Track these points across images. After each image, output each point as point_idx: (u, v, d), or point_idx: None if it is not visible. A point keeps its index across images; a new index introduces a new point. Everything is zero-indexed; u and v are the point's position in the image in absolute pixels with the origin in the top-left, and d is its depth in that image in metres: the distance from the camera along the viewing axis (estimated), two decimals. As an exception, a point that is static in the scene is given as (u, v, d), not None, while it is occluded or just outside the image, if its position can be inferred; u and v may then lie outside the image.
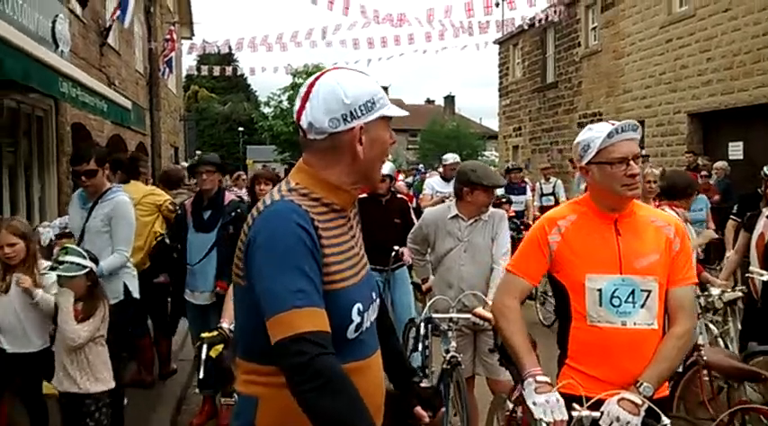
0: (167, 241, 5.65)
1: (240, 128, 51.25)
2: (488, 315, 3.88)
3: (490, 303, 4.07)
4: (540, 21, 19.80)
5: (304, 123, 1.66)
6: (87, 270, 3.64)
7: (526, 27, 20.92)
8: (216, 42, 17.88)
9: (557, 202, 12.08)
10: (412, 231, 4.82)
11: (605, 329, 2.35)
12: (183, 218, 5.27)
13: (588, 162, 2.41)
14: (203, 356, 3.24)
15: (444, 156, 9.38)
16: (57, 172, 9.00)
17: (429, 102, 57.74)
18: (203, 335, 3.33)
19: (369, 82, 1.70)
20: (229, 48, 19.65)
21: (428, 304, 4.33)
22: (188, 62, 25.57)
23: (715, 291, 4.41)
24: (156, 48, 16.26)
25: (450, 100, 55.38)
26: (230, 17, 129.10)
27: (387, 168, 8.30)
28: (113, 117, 8.57)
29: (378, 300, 1.85)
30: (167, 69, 17.05)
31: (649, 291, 2.35)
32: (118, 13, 11.51)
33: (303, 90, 1.69)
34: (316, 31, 17.08)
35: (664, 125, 15.85)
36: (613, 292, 2.34)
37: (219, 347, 3.26)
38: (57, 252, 3.72)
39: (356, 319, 1.66)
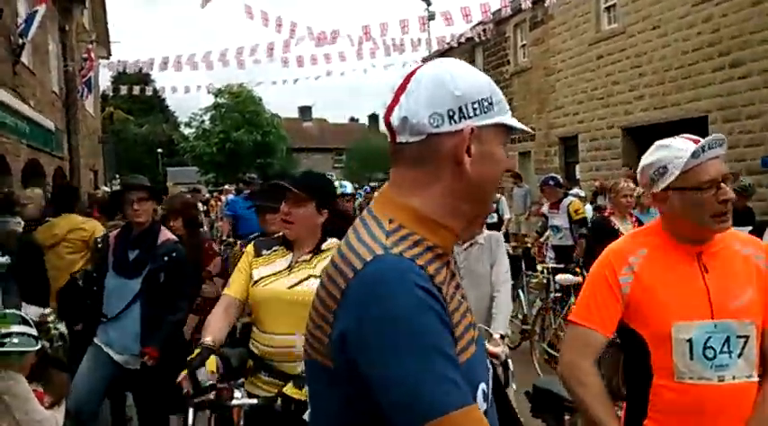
0: (80, 282, 4.77)
1: (159, 150, 49.55)
2: (496, 350, 3.51)
3: (496, 336, 3.71)
4: (468, 39, 19.81)
5: (395, 119, 1.22)
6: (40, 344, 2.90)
7: (456, 45, 20.90)
8: (138, 61, 16.95)
9: (500, 220, 11.89)
10: None
11: (699, 386, 1.95)
12: (104, 255, 4.15)
13: (666, 187, 2.03)
14: (202, 377, 2.62)
15: None
16: (-32, 203, 8.07)
17: (353, 120, 57.56)
18: (192, 358, 2.71)
19: (486, 78, 1.26)
20: (151, 67, 18.75)
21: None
22: (104, 82, 24.34)
23: None
24: (73, 68, 15.27)
25: (374, 118, 55.34)
26: (149, 36, 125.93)
27: (348, 187, 7.76)
28: (35, 140, 7.76)
29: (491, 369, 1.37)
30: (86, 90, 16.05)
31: (747, 337, 1.98)
32: (22, 26, 10.60)
33: (398, 82, 1.26)
34: (245, 50, 16.47)
35: (598, 140, 16.03)
36: (706, 342, 1.96)
37: (213, 359, 2.71)
38: None
39: (482, 405, 1.18)
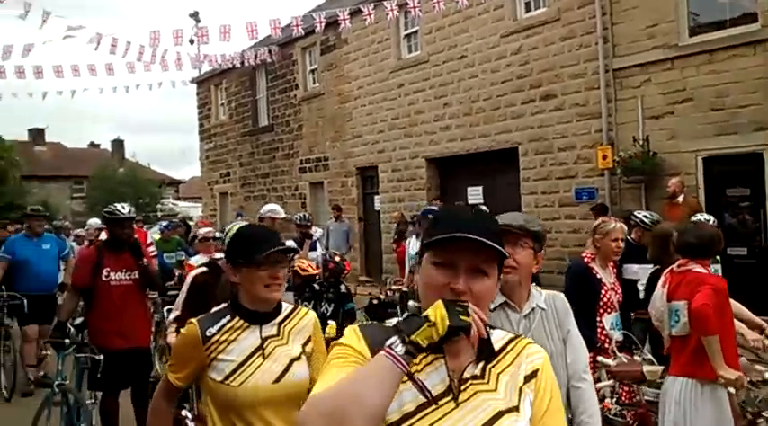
0: None
1: None
2: None
3: None
4: (247, 60, 18.38)
5: None
6: None
7: (232, 66, 19.27)
8: None
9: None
10: None
11: None
12: None
13: None
14: None
15: (264, 209, 7.65)
16: None
17: (94, 145, 51.97)
18: None
19: None
20: None
21: None
22: None
23: None
24: None
25: (118, 144, 50.60)
26: None
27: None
28: None
29: None
30: None
31: None
32: None
33: None
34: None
35: (400, 170, 15.55)
36: None
37: None
38: None
39: None
